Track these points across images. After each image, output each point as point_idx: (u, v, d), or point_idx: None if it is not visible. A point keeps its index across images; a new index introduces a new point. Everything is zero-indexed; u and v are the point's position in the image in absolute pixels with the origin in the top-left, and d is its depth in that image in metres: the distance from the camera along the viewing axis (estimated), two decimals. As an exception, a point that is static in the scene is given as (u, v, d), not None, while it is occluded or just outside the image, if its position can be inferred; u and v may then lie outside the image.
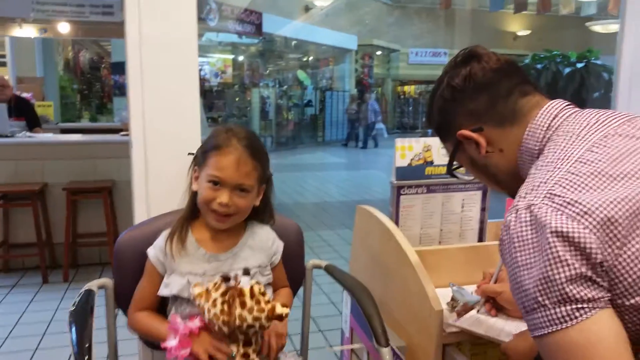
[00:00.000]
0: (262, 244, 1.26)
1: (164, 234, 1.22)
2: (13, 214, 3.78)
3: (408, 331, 1.29)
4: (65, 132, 5.22)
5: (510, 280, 0.78)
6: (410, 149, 1.49)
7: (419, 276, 1.22)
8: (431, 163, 1.52)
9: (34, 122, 4.70)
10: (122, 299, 1.27)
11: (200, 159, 1.20)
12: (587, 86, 8.75)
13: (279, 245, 1.30)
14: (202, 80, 13.78)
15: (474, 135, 0.94)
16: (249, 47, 14.72)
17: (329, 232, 5.06)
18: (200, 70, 14.09)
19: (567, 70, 8.79)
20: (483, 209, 1.60)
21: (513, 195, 0.85)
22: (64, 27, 6.29)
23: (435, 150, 1.51)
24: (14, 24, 6.11)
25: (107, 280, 1.26)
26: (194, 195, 1.21)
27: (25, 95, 5.72)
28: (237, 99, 14.23)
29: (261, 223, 1.29)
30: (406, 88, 20.98)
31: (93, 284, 1.21)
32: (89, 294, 1.16)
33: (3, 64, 9.23)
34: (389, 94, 19.90)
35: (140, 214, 1.38)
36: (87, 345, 1.00)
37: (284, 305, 1.06)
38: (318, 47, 16.36)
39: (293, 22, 13.67)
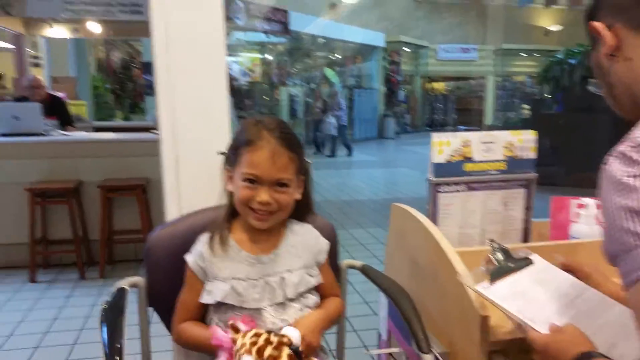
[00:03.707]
0: (306, 243, 1.20)
1: (202, 238, 1.17)
2: (50, 211, 3.84)
3: (450, 336, 1.23)
4: (99, 131, 5.29)
5: (608, 223, 0.73)
6: (448, 144, 1.42)
7: (461, 278, 1.16)
8: (470, 159, 1.45)
9: (66, 121, 4.79)
10: (153, 297, 1.25)
11: (231, 157, 1.15)
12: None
13: (324, 242, 1.24)
14: (231, 79, 13.88)
15: (603, 30, 0.83)
16: (276, 45, 14.76)
17: (361, 231, 5.00)
18: (228, 69, 14.28)
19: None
20: (527, 208, 1.52)
21: (626, 121, 0.77)
22: (94, 27, 6.39)
23: (475, 145, 1.44)
24: (45, 24, 6.24)
25: (139, 279, 1.24)
26: (230, 196, 1.17)
27: (59, 94, 5.84)
28: (265, 98, 14.27)
29: (300, 221, 1.24)
30: (435, 85, 20.70)
31: (125, 283, 1.19)
32: (122, 292, 1.15)
33: (37, 65, 9.47)
34: (417, 91, 19.66)
35: (172, 211, 1.36)
36: (117, 345, 0.97)
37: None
38: (345, 45, 16.27)
39: (319, 19, 13.62)
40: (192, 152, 1.39)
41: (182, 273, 1.17)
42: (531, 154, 1.51)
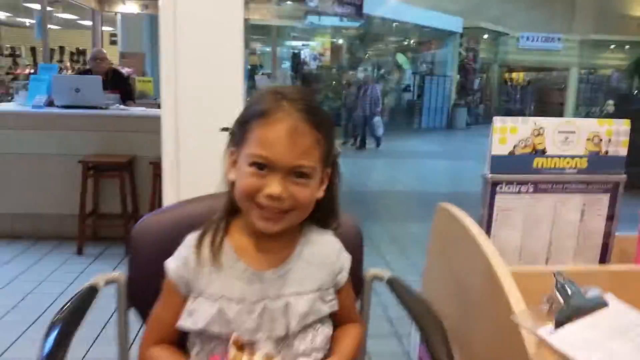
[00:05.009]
0: (324, 258, 0.92)
1: (189, 240, 0.90)
2: (102, 184, 3.83)
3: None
4: (161, 108, 5.26)
5: None
6: (514, 131, 1.11)
7: (514, 308, 0.87)
8: (543, 152, 1.14)
9: (128, 96, 4.80)
10: (136, 296, 1.05)
11: (238, 135, 0.86)
12: None
13: (346, 259, 0.95)
14: (301, 63, 13.84)
15: None
16: (349, 30, 14.47)
17: (418, 225, 4.66)
18: (299, 53, 14.27)
19: None
20: (610, 218, 1.19)
21: None
22: (163, 3, 6.37)
23: (550, 135, 1.12)
24: (118, 1, 6.31)
25: (119, 274, 1.04)
26: (231, 186, 0.88)
27: (127, 70, 5.90)
28: (333, 82, 14.06)
29: (320, 227, 0.94)
30: (514, 75, 19.61)
31: (100, 279, 1.00)
32: (90, 292, 0.95)
33: (114, 42, 9.75)
34: (494, 80, 18.70)
35: (170, 196, 1.15)
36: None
37: None
38: (420, 30, 15.65)
39: (395, 2, 13.13)
40: (195, 130, 1.17)
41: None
42: (621, 150, 1.18)
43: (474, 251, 1.00)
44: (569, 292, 0.83)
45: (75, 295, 0.96)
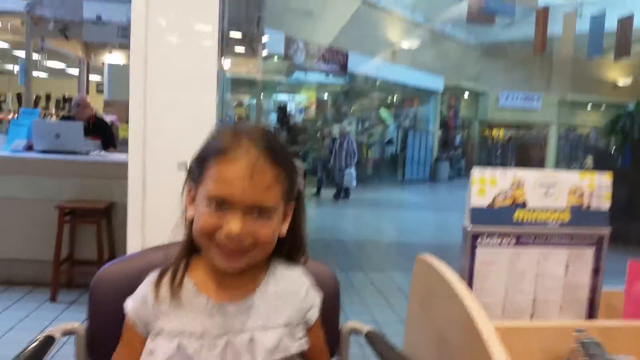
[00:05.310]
0: (292, 293, 0.89)
1: (149, 278, 0.87)
2: (79, 230, 3.76)
3: None
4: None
5: None
6: (493, 183, 1.09)
7: (499, 366, 0.82)
8: (523, 205, 1.12)
9: (109, 142, 4.78)
10: (96, 347, 0.97)
11: (195, 171, 0.84)
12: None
13: (315, 296, 0.92)
14: (287, 115, 14.07)
15: None
16: (334, 86, 14.84)
17: (402, 275, 4.58)
18: (285, 107, 14.52)
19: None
20: (596, 272, 1.16)
21: None
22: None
23: (531, 187, 1.11)
24: (105, 50, 6.40)
25: (77, 325, 0.97)
26: (190, 224, 0.85)
27: (110, 117, 5.89)
28: (317, 135, 14.23)
29: (288, 262, 0.92)
30: (495, 131, 20.08)
31: (56, 330, 0.93)
32: (46, 342, 0.88)
33: (101, 91, 9.79)
34: (475, 136, 19.12)
35: (133, 244, 1.09)
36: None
37: None
38: (403, 88, 16.10)
39: (377, 61, 13.53)
40: (163, 178, 1.13)
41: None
42: (604, 204, 1.16)
43: (455, 304, 0.96)
44: (594, 351, 0.79)
45: (30, 344, 0.88)
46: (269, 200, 0.80)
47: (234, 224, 0.78)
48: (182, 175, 0.90)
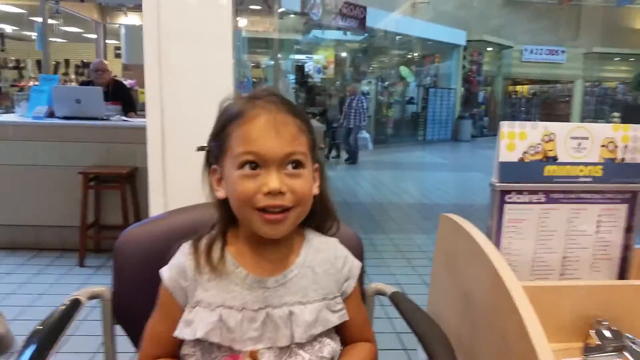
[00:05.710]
0: (329, 265, 0.87)
1: (185, 248, 0.85)
2: (104, 196, 3.81)
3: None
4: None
5: None
6: (523, 137, 1.05)
7: (526, 326, 0.80)
8: (554, 160, 1.07)
9: (129, 107, 4.77)
10: (121, 312, 0.98)
11: (215, 148, 0.83)
12: None
13: (354, 265, 0.90)
14: (305, 76, 13.89)
15: None
16: (352, 43, 14.52)
17: (425, 237, 4.57)
18: (303, 66, 14.33)
19: None
20: (629, 230, 1.12)
21: None
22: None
23: (562, 141, 1.06)
24: (120, 13, 6.33)
25: (103, 289, 0.98)
26: (221, 205, 0.84)
27: (129, 81, 5.89)
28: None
29: (321, 233, 0.90)
30: (518, 88, 19.57)
31: (83, 293, 0.94)
32: (73, 306, 0.89)
33: (119, 55, 9.77)
34: (498, 92, 18.66)
35: (156, 207, 1.09)
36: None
37: None
38: (424, 43, 15.67)
39: (397, 15, 13.16)
40: (182, 140, 1.11)
41: (157, 286, 0.87)
42: (639, 157, 1.11)
43: (482, 264, 0.93)
44: (609, 338, 0.78)
45: (58, 308, 0.90)
46: (299, 149, 0.79)
47: (271, 181, 0.76)
48: (202, 134, 0.88)
